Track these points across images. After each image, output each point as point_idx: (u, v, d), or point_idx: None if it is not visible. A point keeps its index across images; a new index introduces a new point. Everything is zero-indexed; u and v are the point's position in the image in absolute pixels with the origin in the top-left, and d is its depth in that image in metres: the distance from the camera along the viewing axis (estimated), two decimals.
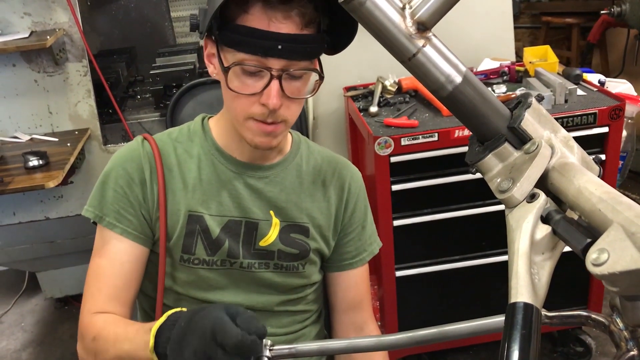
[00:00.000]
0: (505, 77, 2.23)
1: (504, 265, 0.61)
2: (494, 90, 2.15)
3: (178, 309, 0.94)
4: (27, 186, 1.91)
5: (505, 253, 0.62)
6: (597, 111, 1.93)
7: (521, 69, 2.26)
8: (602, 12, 3.37)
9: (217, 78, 1.07)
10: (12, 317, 2.90)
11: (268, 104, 1.00)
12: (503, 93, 2.09)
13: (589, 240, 0.55)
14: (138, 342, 0.95)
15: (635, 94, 2.31)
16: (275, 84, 0.99)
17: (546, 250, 0.60)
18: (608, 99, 1.99)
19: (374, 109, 2.07)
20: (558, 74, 2.15)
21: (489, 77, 2.26)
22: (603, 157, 1.99)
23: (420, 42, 0.64)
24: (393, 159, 1.93)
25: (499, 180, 0.66)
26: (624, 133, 2.10)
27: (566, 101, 2.00)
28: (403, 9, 0.64)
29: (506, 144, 0.67)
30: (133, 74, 2.99)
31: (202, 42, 1.11)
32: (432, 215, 2.03)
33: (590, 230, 0.57)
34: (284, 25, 0.96)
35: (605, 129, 1.95)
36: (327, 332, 1.39)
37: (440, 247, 2.10)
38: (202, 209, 1.15)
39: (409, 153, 1.93)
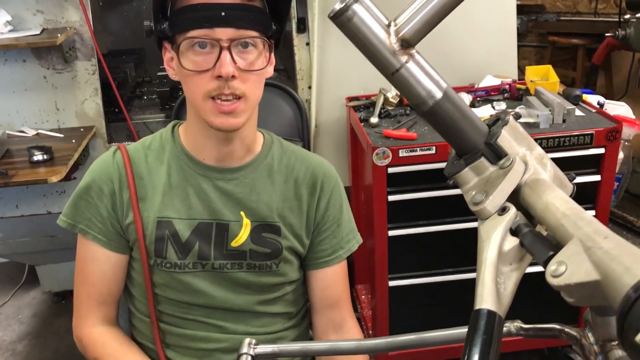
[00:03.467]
0: (505, 95, 2.26)
1: None
2: (493, 107, 2.17)
3: None
4: (31, 180, 1.94)
5: None
6: (594, 132, 1.94)
7: (522, 87, 2.29)
8: (607, 34, 3.39)
9: (178, 79, 1.11)
10: (10, 309, 2.93)
11: (221, 72, 1.02)
12: (502, 110, 2.12)
13: (551, 253, 0.57)
14: None
15: (633, 116, 2.33)
16: (225, 54, 1.02)
17: (513, 261, 0.63)
18: (606, 121, 2.01)
19: (374, 119, 2.10)
20: (558, 93, 2.18)
21: (489, 94, 2.28)
22: (599, 177, 2.00)
23: (404, 58, 0.67)
24: (390, 170, 1.95)
25: (473, 192, 0.69)
26: (620, 155, 2.12)
27: (564, 121, 2.02)
28: (388, 25, 0.67)
29: (482, 159, 0.70)
30: (141, 74, 3.03)
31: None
32: (427, 227, 2.05)
33: (555, 244, 0.60)
34: None
35: (602, 150, 1.97)
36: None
37: (434, 259, 2.12)
38: (171, 213, 1.18)
39: (407, 165, 1.95)
